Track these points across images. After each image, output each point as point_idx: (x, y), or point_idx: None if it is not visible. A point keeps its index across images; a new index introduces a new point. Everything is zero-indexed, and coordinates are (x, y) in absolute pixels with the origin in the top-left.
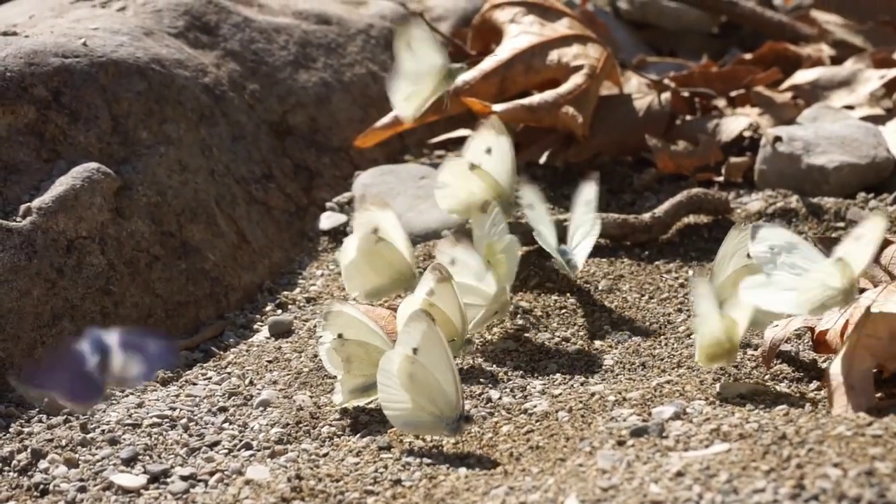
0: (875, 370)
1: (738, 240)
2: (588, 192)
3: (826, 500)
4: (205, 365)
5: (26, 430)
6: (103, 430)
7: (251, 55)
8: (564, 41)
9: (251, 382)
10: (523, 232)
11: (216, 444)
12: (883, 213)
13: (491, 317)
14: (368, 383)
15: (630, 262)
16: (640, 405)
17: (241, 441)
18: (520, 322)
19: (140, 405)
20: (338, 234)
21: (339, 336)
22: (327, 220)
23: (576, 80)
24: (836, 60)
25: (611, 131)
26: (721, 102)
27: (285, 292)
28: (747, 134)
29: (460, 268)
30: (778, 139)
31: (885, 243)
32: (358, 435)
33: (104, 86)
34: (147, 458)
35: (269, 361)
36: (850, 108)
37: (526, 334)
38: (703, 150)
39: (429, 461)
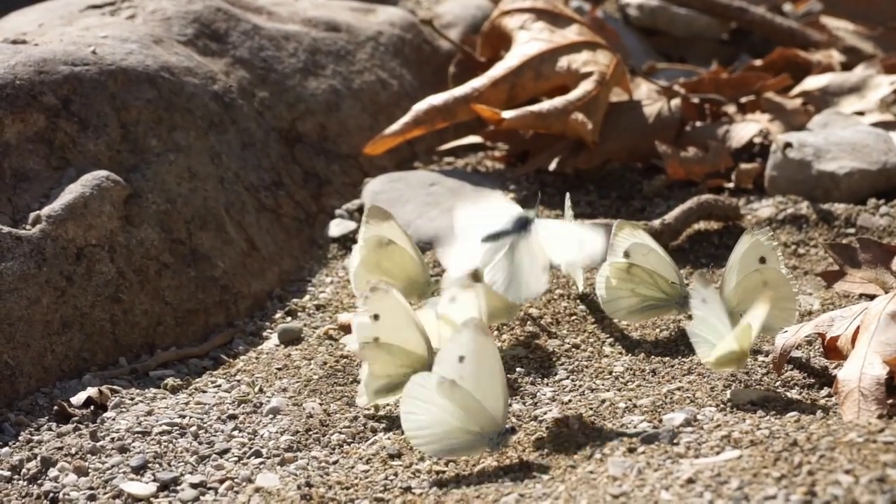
0: (886, 376)
1: (750, 245)
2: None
3: None
4: (214, 372)
5: (36, 437)
6: (113, 438)
7: (260, 62)
8: (574, 48)
9: (261, 390)
10: None
11: (226, 451)
12: None
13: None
14: (392, 383)
15: None
16: (651, 412)
17: (250, 449)
18: (530, 329)
19: (150, 413)
20: (347, 242)
21: (376, 317)
22: (337, 228)
23: (585, 86)
24: (846, 66)
25: (621, 138)
26: (731, 109)
27: (295, 299)
28: (757, 140)
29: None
30: (788, 145)
31: (895, 249)
32: (368, 442)
33: (113, 93)
34: (157, 465)
35: (279, 369)
36: (861, 113)
37: (536, 341)
38: (714, 156)
39: (438, 468)
